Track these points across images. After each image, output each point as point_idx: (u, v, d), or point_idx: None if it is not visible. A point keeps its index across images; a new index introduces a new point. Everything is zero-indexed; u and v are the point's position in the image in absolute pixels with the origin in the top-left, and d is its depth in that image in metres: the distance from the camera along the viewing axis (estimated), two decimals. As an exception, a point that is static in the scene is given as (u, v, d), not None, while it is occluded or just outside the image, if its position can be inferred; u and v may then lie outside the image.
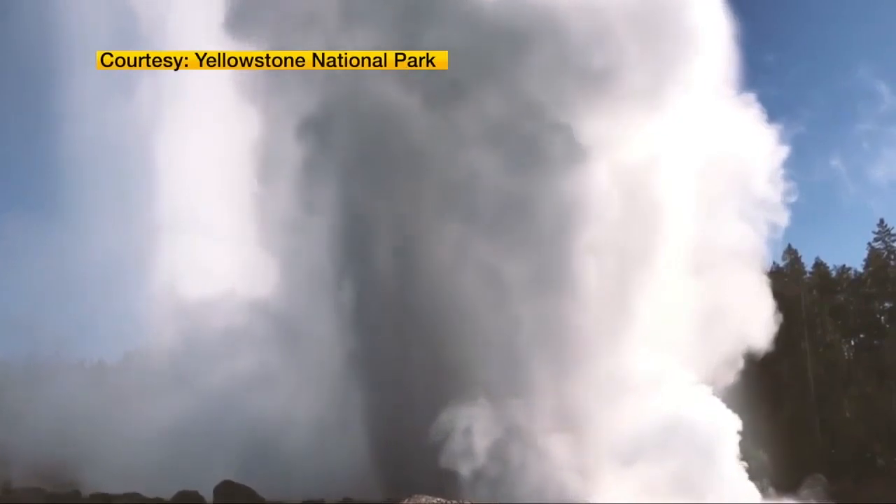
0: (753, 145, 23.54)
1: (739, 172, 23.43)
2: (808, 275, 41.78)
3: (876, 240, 40.69)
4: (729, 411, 19.51)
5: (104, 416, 23.32)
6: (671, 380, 19.34)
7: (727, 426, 19.14)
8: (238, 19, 20.96)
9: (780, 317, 24.79)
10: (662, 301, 19.95)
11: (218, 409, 21.95)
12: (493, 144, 18.49)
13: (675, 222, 20.56)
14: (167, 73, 23.54)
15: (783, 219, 24.85)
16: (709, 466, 18.31)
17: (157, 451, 21.12)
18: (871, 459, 34.17)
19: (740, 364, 23.72)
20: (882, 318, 40.57)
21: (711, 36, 21.08)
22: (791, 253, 40.88)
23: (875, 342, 39.91)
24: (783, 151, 24.09)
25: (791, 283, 38.64)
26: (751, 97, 24.21)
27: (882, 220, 40.61)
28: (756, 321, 22.51)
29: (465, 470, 16.39)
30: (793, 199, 25.22)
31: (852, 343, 41.77)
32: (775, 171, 24.02)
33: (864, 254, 41.03)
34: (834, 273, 42.59)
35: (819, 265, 42.63)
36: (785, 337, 36.09)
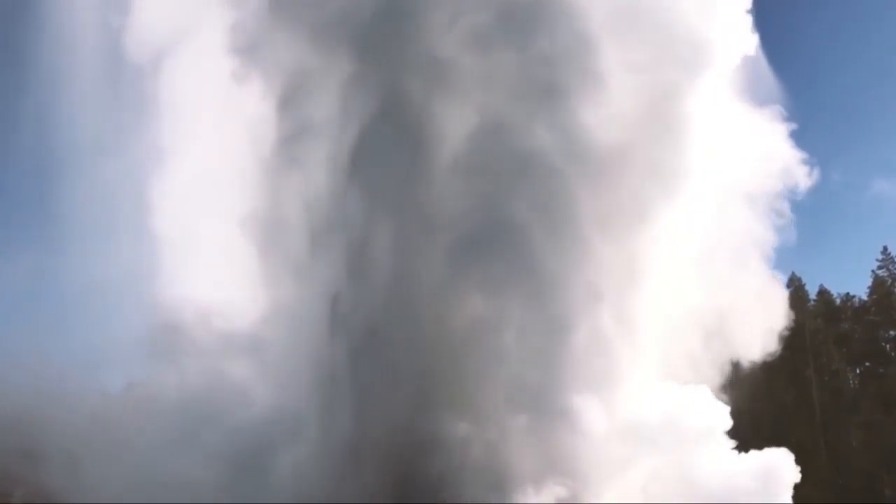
0: (764, 149, 23.53)
1: (749, 174, 23.40)
2: (812, 303, 41.76)
3: (879, 267, 40.75)
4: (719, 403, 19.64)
5: (107, 449, 23.26)
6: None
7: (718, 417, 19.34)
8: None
9: (787, 326, 24.61)
10: (666, 308, 20.08)
11: (217, 436, 21.93)
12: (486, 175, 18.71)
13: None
14: (173, 108, 23.86)
15: (788, 219, 24.87)
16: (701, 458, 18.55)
17: (157, 482, 21.06)
18: (879, 490, 33.88)
19: (744, 366, 23.69)
20: (887, 346, 40.45)
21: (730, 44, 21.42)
22: (795, 280, 40.89)
23: (881, 370, 39.76)
24: (794, 155, 24.06)
25: (795, 310, 38.61)
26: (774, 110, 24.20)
27: (885, 248, 40.76)
28: (760, 327, 22.46)
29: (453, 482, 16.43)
30: (800, 197, 25.11)
31: (858, 371, 41.62)
32: (785, 173, 23.97)
33: (868, 280, 41.23)
34: (838, 301, 42.60)
35: (823, 293, 42.67)
36: (790, 365, 36.07)
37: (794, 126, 23.58)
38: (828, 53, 74.64)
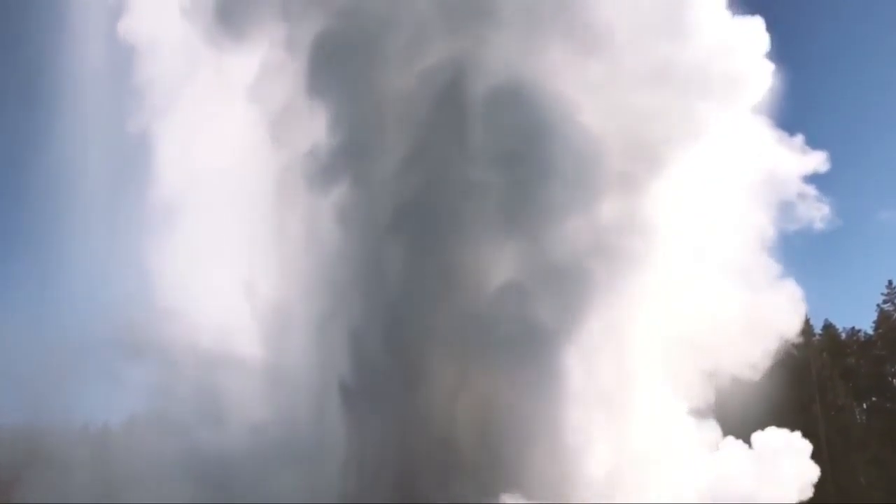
0: (774, 164, 23.48)
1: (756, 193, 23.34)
2: (817, 337, 41.44)
3: (885, 301, 40.55)
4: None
5: (109, 484, 23.02)
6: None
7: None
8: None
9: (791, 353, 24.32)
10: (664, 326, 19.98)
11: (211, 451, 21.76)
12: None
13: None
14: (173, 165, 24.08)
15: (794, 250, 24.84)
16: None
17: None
18: (889, 529, 33.24)
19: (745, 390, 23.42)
20: (894, 380, 40.10)
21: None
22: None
23: (888, 405, 39.35)
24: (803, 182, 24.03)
25: (801, 345, 38.28)
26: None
27: (891, 282, 40.62)
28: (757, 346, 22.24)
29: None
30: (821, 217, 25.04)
31: (864, 406, 41.17)
32: (797, 192, 23.97)
33: (873, 314, 40.95)
34: (843, 335, 42.29)
35: (828, 327, 42.38)
36: (796, 400, 35.66)
37: (813, 157, 23.61)
38: (829, 82, 74.98)
